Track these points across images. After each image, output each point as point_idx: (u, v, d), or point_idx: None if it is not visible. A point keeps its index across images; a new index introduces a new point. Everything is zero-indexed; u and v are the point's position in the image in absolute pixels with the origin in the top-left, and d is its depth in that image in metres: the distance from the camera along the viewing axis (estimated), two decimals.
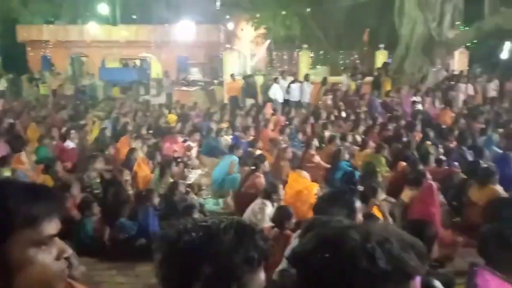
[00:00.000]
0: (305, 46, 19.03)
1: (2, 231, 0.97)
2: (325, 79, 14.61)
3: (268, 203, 5.20)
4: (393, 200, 5.86)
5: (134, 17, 26.32)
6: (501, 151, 7.65)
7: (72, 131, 9.26)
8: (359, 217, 2.44)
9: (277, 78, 14.53)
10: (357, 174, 6.42)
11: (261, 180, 6.18)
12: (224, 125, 10.84)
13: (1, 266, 0.96)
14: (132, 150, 7.77)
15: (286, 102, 13.90)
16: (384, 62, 16.46)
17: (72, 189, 5.72)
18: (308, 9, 18.45)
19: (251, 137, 9.15)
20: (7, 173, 6.57)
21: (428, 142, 8.11)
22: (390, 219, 4.95)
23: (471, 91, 13.98)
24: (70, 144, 8.83)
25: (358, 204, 2.44)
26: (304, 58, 18.76)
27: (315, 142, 8.29)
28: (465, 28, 15.25)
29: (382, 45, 17.78)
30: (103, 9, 25.42)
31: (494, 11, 14.35)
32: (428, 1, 14.18)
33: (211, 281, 1.00)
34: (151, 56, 23.94)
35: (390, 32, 17.62)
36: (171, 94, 17.79)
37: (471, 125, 9.90)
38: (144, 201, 5.51)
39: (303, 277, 0.93)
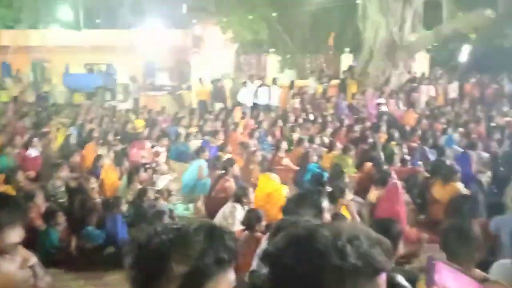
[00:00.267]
0: (272, 50, 19.20)
1: None
2: (292, 82, 14.78)
3: (238, 206, 5.22)
4: (360, 200, 6.00)
5: (98, 21, 25.79)
6: (461, 150, 7.96)
7: (35, 139, 8.97)
8: (327, 216, 2.49)
9: (245, 82, 14.59)
10: (325, 175, 6.52)
11: (231, 184, 6.19)
12: (193, 129, 10.77)
13: None
14: (98, 157, 7.61)
15: (255, 105, 13.97)
16: (349, 65, 16.84)
17: (36, 198, 5.54)
18: (275, 14, 18.62)
19: (221, 141, 9.14)
20: None
21: (393, 143, 8.35)
22: (358, 218, 5.05)
23: (432, 92, 14.50)
24: (33, 152, 8.55)
25: (325, 204, 2.49)
26: (272, 61, 18.93)
27: (284, 145, 8.38)
28: (425, 32, 15.79)
29: (347, 49, 18.18)
30: (66, 13, 24.77)
31: (452, 15, 14.95)
32: (390, 6, 14.60)
33: (182, 283, 1.01)
34: (117, 61, 23.50)
35: (354, 36, 18.03)
36: (138, 99, 17.53)
37: (433, 125, 10.26)
38: (112, 208, 5.41)
39: (275, 275, 0.94)
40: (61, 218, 5.29)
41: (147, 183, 6.90)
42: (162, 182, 7.56)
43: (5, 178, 6.53)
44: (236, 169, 6.53)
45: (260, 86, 14.38)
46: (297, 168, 7.68)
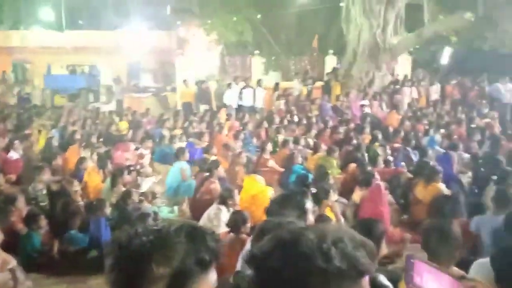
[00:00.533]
0: (257, 52, 19.23)
1: None
2: (277, 84, 14.83)
3: (223, 208, 5.22)
4: (344, 200, 6.06)
5: (81, 22, 25.46)
6: (443, 151, 8.10)
7: (16, 142, 8.81)
8: (310, 217, 2.51)
9: (230, 83, 14.59)
10: (310, 176, 6.56)
11: (216, 185, 6.18)
12: (178, 131, 10.72)
13: None
14: (81, 160, 7.52)
15: (240, 107, 13.97)
16: (333, 67, 16.98)
17: (17, 201, 5.44)
18: (259, 15, 18.67)
19: (206, 143, 9.12)
20: None
21: (377, 144, 8.45)
22: (342, 219, 5.10)
23: (415, 94, 14.73)
24: (14, 155, 8.40)
25: (308, 205, 2.51)
26: (257, 63, 18.97)
27: (269, 147, 8.41)
28: (408, 34, 16.02)
29: (331, 51, 18.32)
30: (47, 14, 24.38)
31: (433, 18, 15.21)
32: (373, 9, 14.77)
33: (163, 284, 1.01)
34: (100, 62, 23.25)
35: (338, 38, 18.19)
36: (122, 101, 17.36)
37: (416, 126, 10.41)
38: (95, 211, 5.35)
39: (261, 278, 0.95)
40: (43, 222, 5.21)
41: (131, 185, 6.84)
42: (146, 184, 7.51)
43: None
44: (221, 171, 6.52)
45: (244, 87, 14.38)
46: (282, 169, 7.71)
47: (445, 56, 22.64)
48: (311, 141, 9.22)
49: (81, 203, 6.04)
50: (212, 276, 1.08)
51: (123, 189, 6.35)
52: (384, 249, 4.46)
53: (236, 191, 5.48)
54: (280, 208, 2.41)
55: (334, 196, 5.03)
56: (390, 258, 4.76)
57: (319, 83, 15.40)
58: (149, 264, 1.01)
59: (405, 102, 13.90)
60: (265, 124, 10.92)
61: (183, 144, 9.21)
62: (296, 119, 11.57)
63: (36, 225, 5.14)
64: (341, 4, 16.10)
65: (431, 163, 6.54)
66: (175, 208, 6.98)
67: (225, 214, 5.06)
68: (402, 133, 9.36)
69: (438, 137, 9.46)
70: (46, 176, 6.61)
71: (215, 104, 14.75)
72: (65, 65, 23.85)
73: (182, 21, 21.63)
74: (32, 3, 23.59)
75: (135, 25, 22.62)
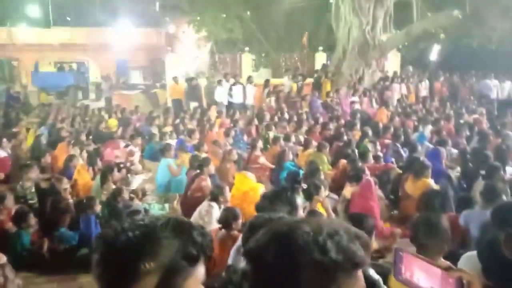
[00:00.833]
0: (247, 48, 19.20)
1: None
2: (267, 81, 14.83)
3: (214, 205, 5.21)
4: (335, 196, 6.09)
5: (69, 19, 25.20)
6: (432, 146, 8.18)
7: (4, 140, 8.71)
8: (300, 213, 2.52)
9: (221, 80, 14.57)
10: (301, 173, 6.58)
11: (207, 183, 6.17)
12: (168, 128, 10.68)
13: None
14: (70, 157, 7.46)
15: (230, 104, 13.95)
16: (323, 64, 17.03)
17: (6, 200, 5.39)
18: (248, 12, 18.64)
19: (196, 140, 9.10)
20: None
21: (367, 140, 8.50)
22: (333, 215, 5.14)
23: (404, 91, 14.85)
24: (2, 153, 8.31)
25: (299, 201, 2.52)
26: (247, 60, 18.94)
27: (260, 144, 8.41)
28: (397, 32, 16.13)
29: (321, 48, 18.37)
30: (35, 11, 24.09)
31: (422, 16, 15.33)
32: (362, 6, 14.83)
33: (149, 279, 1.00)
34: (89, 59, 23.06)
35: (328, 35, 18.25)
36: (111, 98, 17.23)
37: (405, 122, 10.50)
38: (85, 209, 5.31)
39: (257, 271, 0.95)
40: (32, 220, 5.16)
41: (121, 183, 6.81)
42: (136, 181, 7.48)
43: None
44: (211, 168, 6.51)
45: (234, 84, 14.37)
46: (273, 166, 7.73)
47: (434, 53, 22.90)
48: (301, 138, 9.25)
49: (71, 201, 6.00)
50: (201, 270, 1.07)
51: (113, 186, 6.32)
52: (375, 244, 4.51)
53: (227, 188, 5.48)
54: (270, 204, 2.42)
55: (325, 192, 5.05)
56: (380, 252, 4.81)
57: (309, 80, 15.44)
58: (136, 259, 1.00)
59: (395, 99, 14.01)
60: (256, 121, 10.92)
61: (173, 141, 9.18)
62: (286, 116, 11.59)
63: (25, 223, 5.09)
64: (330, 1, 16.14)
65: (421, 158, 6.60)
66: (166, 205, 6.96)
67: (216, 211, 5.06)
68: (392, 129, 9.43)
69: (427, 133, 9.54)
70: (35, 174, 6.56)
71: (205, 101, 14.71)
72: (53, 62, 23.62)
73: (171, 18, 21.52)
74: (18, 0, 23.28)
75: (123, 22, 22.46)
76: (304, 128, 10.02)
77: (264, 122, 10.73)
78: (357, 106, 12.54)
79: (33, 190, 6.29)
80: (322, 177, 6.12)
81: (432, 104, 13.50)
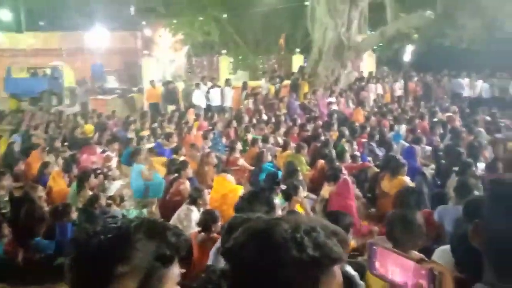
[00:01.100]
0: (224, 51, 19.19)
1: None
2: (245, 83, 14.86)
3: (193, 208, 5.19)
4: (314, 196, 6.14)
5: (42, 23, 24.68)
6: (407, 145, 8.34)
7: None
8: (278, 213, 2.54)
9: (198, 83, 14.52)
10: (280, 174, 6.62)
11: (186, 186, 6.14)
12: (146, 132, 10.57)
13: None
14: (45, 164, 7.31)
15: (208, 107, 13.92)
16: (300, 66, 17.18)
17: None
18: (225, 15, 18.64)
19: (174, 144, 9.03)
20: None
21: (344, 140, 8.61)
22: (312, 215, 5.18)
23: (380, 91, 15.12)
24: None
25: (277, 201, 2.54)
26: (224, 63, 18.94)
27: (239, 146, 8.42)
28: (371, 33, 16.41)
29: (297, 50, 18.53)
30: (6, 16, 23.51)
31: (395, 17, 15.63)
32: (337, 8, 15.04)
33: (123, 282, 1.00)
34: (63, 64, 22.61)
35: (304, 37, 18.44)
36: (86, 103, 16.95)
37: (381, 122, 10.68)
38: (61, 217, 5.20)
39: (236, 270, 0.95)
40: (6, 230, 5.01)
41: (98, 189, 6.70)
42: (114, 187, 7.37)
43: None
44: (189, 171, 6.48)
45: (212, 87, 14.35)
46: (252, 168, 7.74)
47: (407, 53, 23.37)
48: (280, 139, 9.30)
49: (46, 208, 5.86)
50: (175, 271, 1.07)
51: (90, 193, 6.21)
52: (353, 242, 4.57)
53: (206, 191, 5.47)
54: (249, 204, 2.43)
55: (303, 193, 5.09)
56: (359, 250, 4.87)
57: (286, 82, 15.54)
58: (108, 263, 1.00)
59: (371, 99, 14.24)
60: (234, 124, 10.92)
61: (151, 146, 9.10)
62: (264, 117, 11.63)
63: None
64: (306, 4, 16.30)
65: (397, 157, 6.72)
66: (144, 210, 6.88)
67: (195, 215, 5.04)
68: (368, 129, 9.58)
69: (402, 132, 9.73)
70: (7, 182, 6.38)
71: (182, 104, 14.64)
72: (25, 68, 23.06)
73: (147, 21, 21.34)
74: None
75: (98, 26, 22.15)
76: (282, 129, 10.07)
77: (243, 124, 10.74)
78: (334, 107, 12.69)
79: (6, 198, 6.12)
80: (301, 177, 6.17)
81: (406, 104, 13.78)
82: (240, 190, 6.01)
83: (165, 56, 19.68)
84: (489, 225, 1.06)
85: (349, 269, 1.80)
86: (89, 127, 11.87)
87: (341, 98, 13.60)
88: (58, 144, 9.26)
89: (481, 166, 6.97)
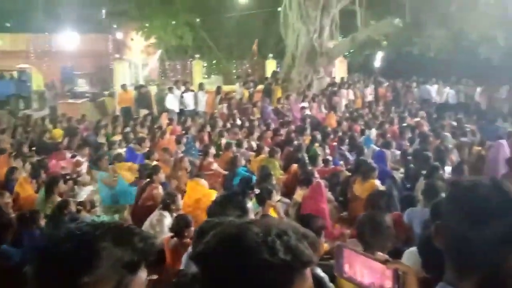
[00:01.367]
0: (197, 56, 19.13)
1: None
2: (219, 88, 14.86)
3: (166, 214, 5.14)
4: (287, 200, 6.19)
5: (9, 25, 23.93)
6: (377, 149, 8.52)
7: None
8: (251, 217, 2.55)
9: (172, 88, 14.41)
10: (254, 178, 6.64)
11: (158, 190, 6.08)
12: (117, 137, 10.40)
13: None
14: (11, 170, 7.09)
15: (182, 111, 13.84)
16: (273, 71, 17.31)
17: None
18: (198, 20, 18.59)
19: (147, 149, 8.93)
20: None
21: (316, 144, 8.72)
22: (285, 218, 5.21)
23: (351, 96, 15.40)
24: None
25: (250, 205, 2.56)
26: (197, 67, 18.87)
27: (213, 150, 8.40)
28: (342, 39, 16.72)
29: (271, 55, 18.66)
30: None
31: (365, 24, 15.99)
32: (309, 15, 15.25)
33: None
34: (31, 67, 21.99)
35: (277, 42, 18.58)
36: (55, 107, 16.54)
37: (353, 126, 10.88)
38: (29, 223, 5.06)
39: (208, 274, 0.95)
40: None
41: (67, 195, 6.54)
42: (84, 193, 7.22)
43: None
44: (162, 176, 6.42)
45: (185, 91, 14.28)
46: (226, 172, 7.74)
47: (378, 60, 23.94)
48: (254, 144, 9.33)
49: (13, 215, 5.68)
50: (143, 275, 1.05)
51: (59, 199, 6.06)
52: (326, 246, 4.63)
53: (179, 196, 5.43)
54: (221, 208, 2.43)
55: (277, 197, 5.13)
56: (331, 254, 4.94)
57: (260, 87, 15.62)
58: (73, 274, 0.96)
59: (343, 104, 14.48)
60: (208, 128, 10.89)
61: (123, 150, 8.96)
62: (238, 122, 11.65)
63: None
64: (279, 9, 16.46)
65: (368, 161, 6.86)
66: (116, 216, 6.76)
67: (168, 220, 4.99)
68: (340, 133, 9.74)
69: (373, 136, 9.93)
70: None
71: (155, 108, 14.49)
72: None
73: (118, 24, 21.05)
74: None
75: (68, 28, 21.68)
76: (256, 134, 10.12)
77: (217, 129, 10.73)
78: (307, 112, 12.84)
79: None
80: (274, 182, 6.21)
81: (377, 109, 14.08)
82: (214, 195, 5.98)
83: (137, 59, 19.46)
84: (447, 225, 1.11)
85: (319, 271, 1.84)
86: (58, 132, 11.59)
87: (313, 103, 13.77)
88: (25, 149, 9.02)
89: (448, 169, 7.19)
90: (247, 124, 11.22)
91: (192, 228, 4.25)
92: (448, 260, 1.13)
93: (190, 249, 2.80)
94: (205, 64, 20.24)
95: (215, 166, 7.95)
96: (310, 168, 6.65)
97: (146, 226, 5.13)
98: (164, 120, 12.43)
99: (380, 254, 1.08)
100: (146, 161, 7.79)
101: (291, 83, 15.68)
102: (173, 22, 18.11)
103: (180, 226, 4.23)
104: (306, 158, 7.49)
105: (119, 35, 21.57)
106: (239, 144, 8.88)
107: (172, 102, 13.87)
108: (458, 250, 1.09)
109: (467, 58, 18.22)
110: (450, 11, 15.46)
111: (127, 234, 1.05)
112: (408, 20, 14.94)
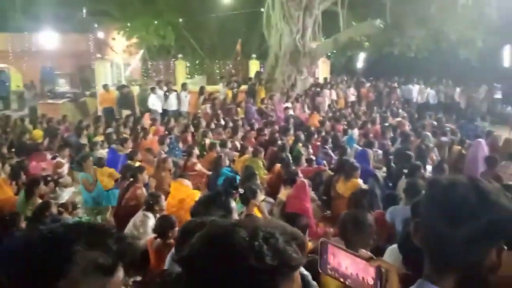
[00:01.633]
0: (180, 56, 19.02)
1: None
2: (202, 88, 14.80)
3: (150, 215, 5.11)
4: (272, 200, 6.22)
5: None
6: (360, 148, 8.61)
7: None
8: (235, 217, 2.56)
9: (154, 88, 14.31)
10: (238, 178, 6.64)
11: (142, 191, 6.03)
12: (99, 138, 10.27)
13: None
14: None
15: (165, 112, 13.74)
16: (257, 71, 17.33)
17: None
18: (181, 20, 18.49)
19: (129, 149, 8.84)
20: None
21: (300, 144, 8.77)
22: (269, 218, 5.23)
23: (334, 96, 15.54)
24: None
25: (233, 205, 2.56)
26: (180, 67, 18.76)
27: (196, 150, 8.38)
28: (325, 40, 16.84)
29: (254, 55, 18.69)
30: None
31: (347, 25, 16.15)
32: (292, 15, 15.32)
33: None
34: (10, 67, 21.52)
35: (261, 42, 18.61)
36: (35, 107, 16.24)
37: (335, 126, 10.98)
38: (9, 226, 4.96)
39: (192, 278, 0.93)
40: None
41: (48, 196, 6.44)
42: (66, 194, 7.12)
43: None
44: (145, 176, 6.38)
45: (168, 91, 14.19)
46: (210, 172, 7.72)
47: (360, 61, 24.20)
48: (237, 144, 9.34)
49: None
50: (119, 275, 1.03)
51: (40, 200, 5.96)
52: (310, 244, 4.66)
53: (162, 197, 5.40)
54: (205, 208, 2.43)
55: (261, 196, 5.14)
56: (314, 253, 4.98)
57: (244, 87, 15.63)
58: (45, 279, 0.94)
59: (326, 104, 14.60)
60: (191, 128, 10.85)
61: (105, 151, 8.86)
62: (222, 122, 11.64)
63: None
64: (262, 10, 16.49)
65: (350, 160, 6.93)
66: (99, 217, 6.70)
67: (152, 221, 4.96)
68: (324, 133, 9.81)
69: (356, 136, 10.04)
70: None
71: (138, 109, 14.36)
72: None
73: (100, 24, 20.78)
74: None
75: (47, 27, 21.31)
76: (240, 134, 10.12)
77: (200, 129, 10.69)
78: (290, 112, 12.90)
79: None
80: (258, 181, 6.22)
81: (359, 109, 14.24)
82: (198, 195, 5.98)
83: (119, 59, 19.24)
84: (426, 224, 1.13)
85: (302, 269, 1.85)
86: (38, 132, 11.38)
87: (297, 103, 13.85)
88: (4, 150, 8.85)
89: (429, 168, 7.32)
90: (231, 124, 11.21)
91: (176, 229, 4.24)
92: (427, 257, 1.15)
93: (173, 250, 2.79)
94: (188, 64, 20.14)
95: (198, 166, 7.93)
96: (293, 167, 6.68)
97: (129, 227, 5.09)
98: (146, 120, 12.33)
99: (363, 251, 1.10)
100: (129, 162, 7.72)
101: (274, 83, 15.72)
102: (155, 22, 17.97)
103: (163, 227, 4.21)
104: (290, 158, 7.53)
105: (100, 35, 21.30)
106: (223, 144, 8.87)
107: (155, 103, 13.76)
108: (436, 248, 1.11)
109: (447, 59, 18.59)
110: (429, 13, 15.74)
111: (101, 236, 1.02)
112: (389, 21, 15.15)
